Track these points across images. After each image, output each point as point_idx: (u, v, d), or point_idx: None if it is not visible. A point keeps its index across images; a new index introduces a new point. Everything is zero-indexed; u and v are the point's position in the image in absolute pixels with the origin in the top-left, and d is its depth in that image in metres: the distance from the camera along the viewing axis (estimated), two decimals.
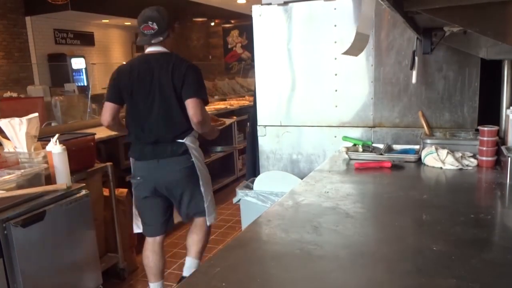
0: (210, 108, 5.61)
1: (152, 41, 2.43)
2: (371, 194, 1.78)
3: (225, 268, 1.10)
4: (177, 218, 2.88)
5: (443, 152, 1.97)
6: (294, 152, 2.67)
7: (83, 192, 2.45)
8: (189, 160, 2.49)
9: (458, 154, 1.99)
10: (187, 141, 2.48)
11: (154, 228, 2.65)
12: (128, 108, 2.53)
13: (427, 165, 1.99)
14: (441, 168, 1.94)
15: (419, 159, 2.06)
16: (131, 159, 2.59)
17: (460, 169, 1.93)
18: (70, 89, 7.10)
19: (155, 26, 2.40)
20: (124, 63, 2.62)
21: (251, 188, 2.48)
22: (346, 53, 1.68)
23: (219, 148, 5.51)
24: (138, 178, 2.54)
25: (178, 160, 2.46)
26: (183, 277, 2.83)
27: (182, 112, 2.41)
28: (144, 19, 2.43)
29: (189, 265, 2.73)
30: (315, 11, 2.49)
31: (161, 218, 2.64)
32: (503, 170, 1.80)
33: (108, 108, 2.49)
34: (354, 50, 1.62)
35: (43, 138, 2.61)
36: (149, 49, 2.48)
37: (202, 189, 2.58)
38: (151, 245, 2.67)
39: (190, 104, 2.38)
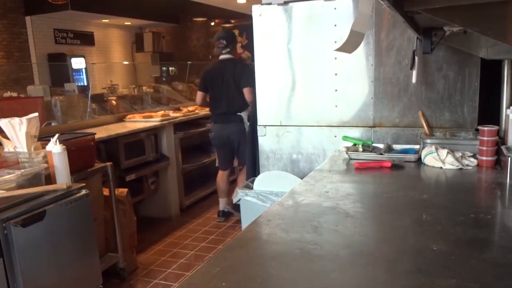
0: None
1: (223, 52, 3.99)
2: (371, 194, 1.78)
3: (225, 268, 1.10)
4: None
5: (443, 152, 1.97)
6: (294, 152, 2.67)
7: (83, 192, 2.45)
8: (242, 126, 3.93)
9: (458, 154, 1.99)
10: (242, 114, 3.93)
11: (223, 165, 4.25)
12: (210, 94, 4.09)
13: (427, 165, 1.99)
14: (441, 168, 1.94)
15: (419, 159, 2.06)
16: (211, 122, 4.23)
17: (460, 169, 1.92)
18: (70, 89, 7.10)
19: (224, 42, 3.96)
20: (209, 65, 4.23)
21: (251, 188, 2.48)
22: (339, 49, 1.68)
23: None
24: (213, 133, 4.16)
25: (237, 125, 3.95)
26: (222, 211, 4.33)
27: (240, 96, 3.92)
28: (217, 38, 4.00)
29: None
30: (315, 11, 2.49)
31: (227, 159, 4.22)
32: (503, 170, 1.80)
33: (199, 95, 4.13)
34: (348, 47, 1.62)
35: (43, 138, 2.61)
36: (221, 57, 4.02)
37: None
38: (222, 175, 4.28)
39: (245, 91, 3.88)
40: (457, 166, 1.93)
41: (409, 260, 1.13)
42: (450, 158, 1.94)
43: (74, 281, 2.42)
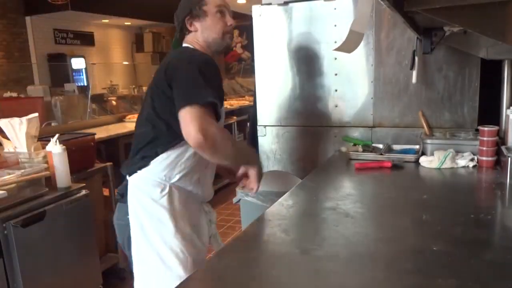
0: None
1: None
2: (371, 194, 1.78)
3: (225, 268, 1.10)
4: None
5: (443, 153, 1.98)
6: (294, 152, 2.66)
7: (83, 192, 2.45)
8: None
9: (458, 154, 1.99)
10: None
11: None
12: None
13: (424, 167, 1.99)
14: (440, 168, 1.94)
15: (419, 159, 2.06)
16: None
17: (460, 169, 1.92)
18: (70, 89, 7.10)
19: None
20: None
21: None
22: (338, 49, 1.69)
23: None
24: None
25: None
26: None
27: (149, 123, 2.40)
28: None
29: None
30: (315, 11, 2.49)
31: None
32: (503, 170, 1.80)
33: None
34: (347, 47, 1.63)
35: (43, 138, 2.61)
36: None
37: None
38: None
39: (182, 115, 2.65)
40: (457, 166, 1.93)
41: (409, 260, 1.13)
42: (449, 159, 1.94)
43: (74, 281, 2.42)
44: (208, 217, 1.82)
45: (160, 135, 1.61)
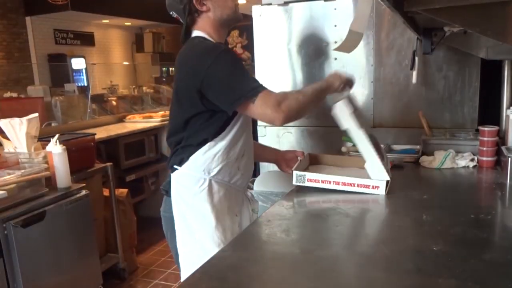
0: None
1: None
2: (371, 194, 1.78)
3: (225, 268, 1.10)
4: None
5: (442, 153, 1.97)
6: None
7: (83, 192, 2.45)
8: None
9: (459, 155, 1.98)
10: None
11: None
12: None
13: (425, 167, 1.99)
14: (440, 168, 1.94)
15: (419, 159, 2.06)
16: None
17: (461, 168, 1.92)
18: (70, 89, 7.11)
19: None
20: None
21: (251, 188, 2.47)
22: (338, 49, 1.69)
23: None
24: None
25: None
26: None
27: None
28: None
29: None
30: (315, 11, 2.49)
31: None
32: (503, 170, 1.80)
33: None
34: (346, 46, 1.63)
35: (43, 138, 2.61)
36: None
37: None
38: None
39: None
40: (457, 166, 1.93)
41: (409, 260, 1.13)
42: (449, 159, 1.94)
43: (74, 281, 2.42)
44: (251, 206, 1.83)
45: (190, 136, 1.62)
